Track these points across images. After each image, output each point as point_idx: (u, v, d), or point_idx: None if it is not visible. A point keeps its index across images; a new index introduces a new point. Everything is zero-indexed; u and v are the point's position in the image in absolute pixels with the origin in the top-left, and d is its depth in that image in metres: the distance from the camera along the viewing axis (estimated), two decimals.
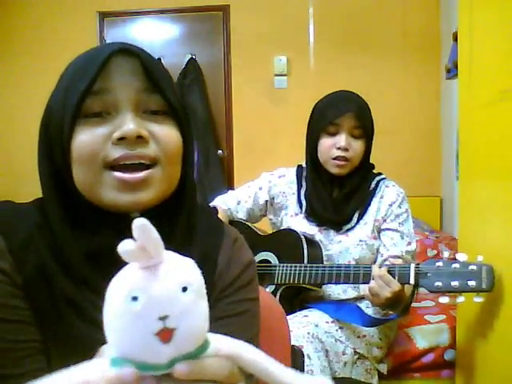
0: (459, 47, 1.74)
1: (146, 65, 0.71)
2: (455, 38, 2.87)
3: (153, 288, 0.41)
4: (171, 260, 0.43)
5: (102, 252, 0.68)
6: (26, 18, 4.04)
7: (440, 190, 3.74)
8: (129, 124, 0.68)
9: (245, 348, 0.47)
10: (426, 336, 1.95)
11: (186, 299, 0.42)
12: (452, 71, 3.14)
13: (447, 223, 3.58)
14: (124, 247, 0.41)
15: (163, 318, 0.41)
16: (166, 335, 0.41)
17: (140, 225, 0.40)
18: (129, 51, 0.71)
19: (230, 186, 3.88)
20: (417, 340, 1.93)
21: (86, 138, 0.69)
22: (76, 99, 0.68)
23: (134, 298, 0.41)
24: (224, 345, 0.46)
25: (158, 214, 0.68)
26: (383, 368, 1.79)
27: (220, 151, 4.03)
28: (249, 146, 3.93)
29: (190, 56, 3.97)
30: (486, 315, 1.57)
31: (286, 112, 3.76)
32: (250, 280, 0.83)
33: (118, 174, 0.69)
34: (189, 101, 3.92)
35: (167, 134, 0.72)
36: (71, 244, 0.70)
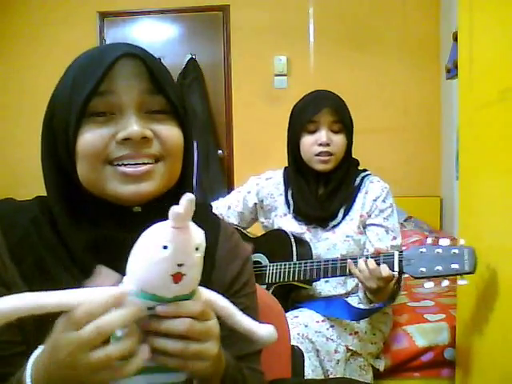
0: (459, 47, 1.74)
1: (150, 67, 0.73)
2: (455, 38, 2.87)
3: (179, 243, 0.56)
4: (192, 227, 0.58)
5: (105, 243, 0.72)
6: (26, 19, 4.04)
7: (440, 190, 3.74)
8: (133, 125, 0.71)
9: (219, 297, 0.65)
10: (425, 335, 1.95)
11: (197, 256, 0.58)
12: (452, 71, 3.14)
13: (447, 223, 3.59)
14: (176, 209, 0.55)
15: (180, 265, 0.56)
16: (178, 277, 0.56)
17: (190, 198, 0.55)
18: (133, 54, 0.73)
19: (229, 185, 3.88)
20: (416, 338, 1.93)
21: (91, 137, 0.71)
22: (82, 100, 0.70)
23: (165, 247, 0.55)
24: (205, 292, 0.64)
25: (158, 208, 0.70)
26: (379, 364, 1.80)
27: (220, 151, 4.04)
28: (249, 145, 3.93)
29: (190, 56, 3.97)
30: (485, 314, 1.58)
31: (285, 112, 3.72)
32: (251, 274, 0.88)
33: (120, 168, 0.72)
34: (189, 101, 3.92)
35: (170, 132, 0.75)
36: (74, 235, 0.73)
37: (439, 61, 3.65)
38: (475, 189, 1.67)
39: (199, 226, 0.81)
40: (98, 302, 0.56)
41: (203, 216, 0.85)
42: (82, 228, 0.73)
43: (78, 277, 0.70)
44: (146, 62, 0.73)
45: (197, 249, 0.58)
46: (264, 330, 0.66)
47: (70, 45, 3.28)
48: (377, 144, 3.58)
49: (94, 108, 0.71)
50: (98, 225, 0.73)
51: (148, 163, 0.73)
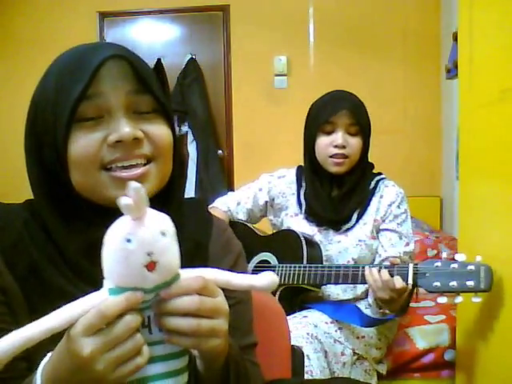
0: (459, 47, 1.74)
1: (135, 67, 0.72)
2: (455, 38, 2.87)
3: (142, 233, 0.56)
4: (152, 213, 0.57)
5: (100, 246, 0.70)
6: (25, 18, 4.04)
7: (440, 190, 3.74)
8: (124, 127, 0.70)
9: (205, 271, 0.64)
10: (425, 336, 1.95)
11: (165, 241, 0.57)
12: (452, 71, 3.14)
13: (447, 223, 3.58)
14: (124, 201, 0.54)
15: (150, 254, 0.56)
16: (151, 266, 0.56)
17: (134, 187, 0.54)
18: (119, 56, 0.72)
19: (229, 185, 3.88)
20: (417, 340, 1.93)
21: (82, 143, 0.70)
22: (70, 106, 0.69)
23: (128, 240, 0.55)
24: (189, 274, 0.62)
25: (151, 206, 0.69)
26: (382, 368, 1.79)
27: (220, 151, 4.03)
28: (249, 145, 3.93)
29: (190, 56, 3.97)
30: (485, 315, 1.57)
31: (285, 112, 3.76)
32: (244, 268, 0.89)
33: (115, 173, 0.71)
34: (189, 101, 3.92)
35: (159, 132, 0.75)
36: (67, 238, 0.72)
37: (439, 61, 3.65)
38: (475, 189, 1.66)
39: (192, 222, 0.82)
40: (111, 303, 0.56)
41: (196, 212, 0.87)
42: (75, 231, 0.72)
43: (73, 280, 0.70)
44: (132, 63, 0.72)
45: (163, 234, 0.57)
46: (262, 281, 0.65)
47: (70, 45, 3.25)
48: (376, 144, 3.56)
49: (82, 113, 0.70)
50: (91, 227, 0.72)
51: (140, 164, 0.72)
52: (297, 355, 1.18)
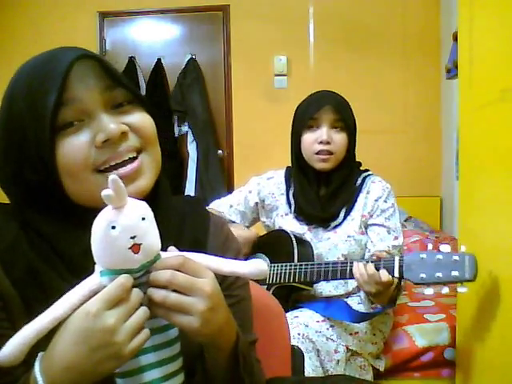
0: (459, 47, 1.74)
1: (103, 64, 0.73)
2: (455, 38, 2.86)
3: (124, 219, 0.61)
4: (132, 202, 0.63)
5: None
6: (25, 18, 4.04)
7: (440, 190, 3.74)
8: (109, 124, 0.70)
9: (188, 254, 0.68)
10: (425, 335, 1.95)
11: (145, 225, 0.63)
12: (452, 71, 3.14)
13: (447, 223, 3.58)
14: (105, 192, 0.60)
15: (133, 238, 0.61)
16: (136, 248, 0.62)
17: (113, 178, 0.59)
18: (86, 56, 0.72)
19: (229, 185, 3.88)
20: (416, 339, 1.94)
21: (69, 149, 0.70)
22: (48, 115, 0.68)
23: (113, 227, 0.61)
24: (171, 254, 0.68)
25: (150, 202, 0.68)
26: (380, 364, 1.80)
27: (220, 151, 4.03)
28: (249, 145, 3.93)
29: (189, 56, 3.97)
30: (485, 314, 1.58)
31: (285, 112, 3.72)
32: None
33: (110, 173, 0.70)
34: (189, 101, 3.92)
35: (142, 120, 0.75)
36: (64, 242, 0.72)
37: (439, 61, 3.65)
38: (475, 189, 1.67)
39: (190, 219, 0.84)
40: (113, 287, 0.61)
41: (194, 209, 0.87)
42: (71, 234, 0.72)
43: (73, 282, 0.69)
44: (100, 60, 0.73)
45: (143, 218, 0.63)
46: (248, 268, 0.69)
47: (70, 45, 3.26)
48: (377, 144, 3.58)
49: (61, 120, 0.70)
50: (86, 229, 0.69)
51: (132, 158, 0.73)
52: (297, 355, 1.18)
